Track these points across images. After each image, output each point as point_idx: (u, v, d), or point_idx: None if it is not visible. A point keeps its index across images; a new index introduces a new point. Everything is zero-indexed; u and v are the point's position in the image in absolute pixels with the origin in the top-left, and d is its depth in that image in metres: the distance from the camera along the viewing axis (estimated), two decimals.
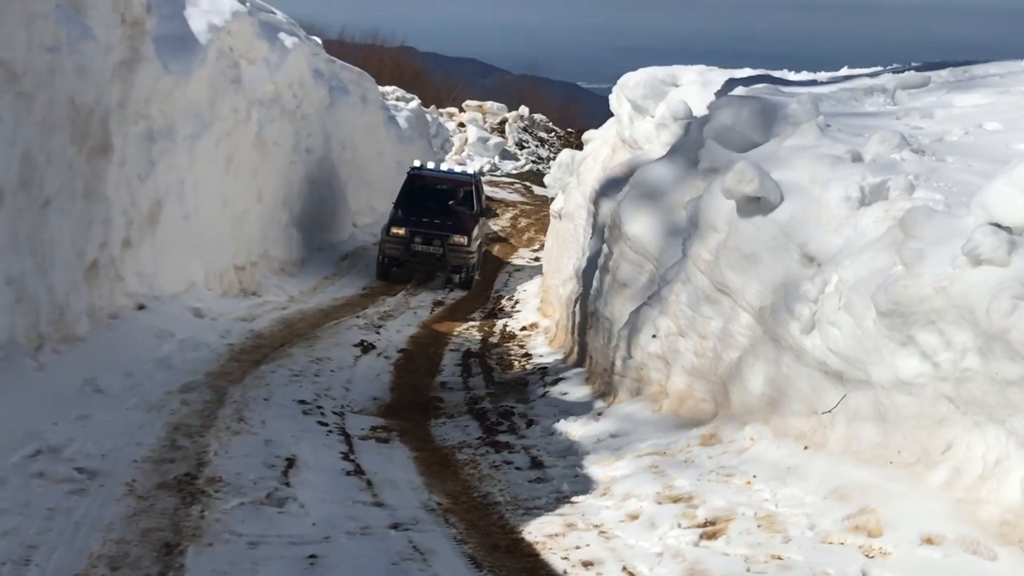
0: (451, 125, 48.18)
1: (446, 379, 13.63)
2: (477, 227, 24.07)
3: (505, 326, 18.70)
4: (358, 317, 18.20)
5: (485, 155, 44.55)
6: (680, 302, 9.73)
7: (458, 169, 25.86)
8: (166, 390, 10.91)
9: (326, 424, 10.49)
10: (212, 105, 18.36)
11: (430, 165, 25.46)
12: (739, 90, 12.26)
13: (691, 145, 11.67)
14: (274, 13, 23.64)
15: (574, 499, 7.94)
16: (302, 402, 11.10)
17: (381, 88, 44.43)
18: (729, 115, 11.16)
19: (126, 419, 9.43)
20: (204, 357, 13.11)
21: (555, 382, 12.65)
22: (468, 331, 18.10)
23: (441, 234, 23.10)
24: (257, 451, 8.73)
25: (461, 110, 49.68)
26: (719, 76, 14.30)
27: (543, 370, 13.80)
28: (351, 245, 26.95)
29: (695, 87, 14.19)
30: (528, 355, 15.35)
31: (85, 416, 9.29)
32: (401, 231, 23.02)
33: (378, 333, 16.61)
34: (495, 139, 44.95)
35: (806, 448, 7.64)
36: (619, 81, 15.29)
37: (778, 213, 8.69)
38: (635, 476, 8.08)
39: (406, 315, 19.46)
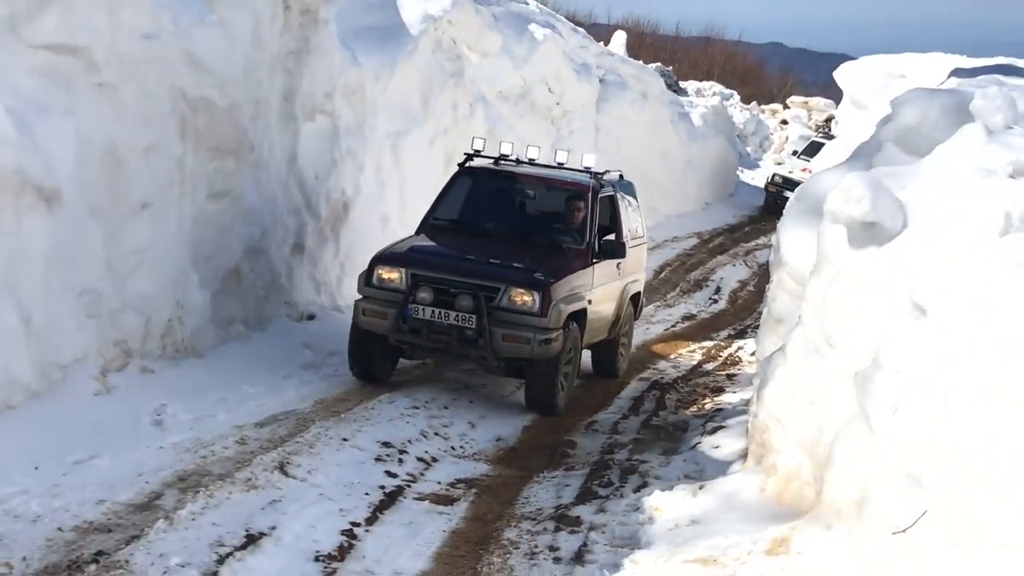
0: (772, 122, 45.52)
1: (600, 417, 11.75)
2: (581, 278, 11.78)
3: (738, 350, 16.52)
4: None
5: None
6: (796, 352, 7.56)
7: (562, 159, 12.99)
8: (238, 423, 9.61)
9: (394, 476, 8.93)
10: (426, 100, 17.13)
11: (505, 149, 12.99)
12: (951, 81, 9.79)
13: (873, 150, 9.35)
14: (526, 3, 22.25)
15: None
16: (386, 444, 9.56)
17: (698, 84, 42.54)
18: (915, 112, 8.86)
19: (136, 464, 8.16)
20: (338, 380, 11.77)
21: (715, 431, 10.57)
22: (690, 354, 16.06)
23: (480, 286, 10.99)
24: (235, 519, 7.25)
25: (786, 107, 46.86)
26: (958, 65, 11.73)
27: (717, 412, 11.70)
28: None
29: (926, 79, 11.68)
30: (721, 390, 13.22)
31: (88, 459, 8.09)
32: (393, 276, 11.16)
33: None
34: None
35: None
36: (836, 71, 12.93)
37: (895, 244, 6.43)
38: None
39: (636, 331, 17.43)
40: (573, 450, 10.41)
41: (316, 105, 14.32)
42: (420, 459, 9.54)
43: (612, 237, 12.71)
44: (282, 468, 8.45)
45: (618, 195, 13.21)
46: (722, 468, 9.06)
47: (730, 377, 14.20)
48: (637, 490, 8.80)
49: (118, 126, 10.17)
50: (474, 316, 10.86)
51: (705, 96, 39.62)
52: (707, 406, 12.32)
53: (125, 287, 10.40)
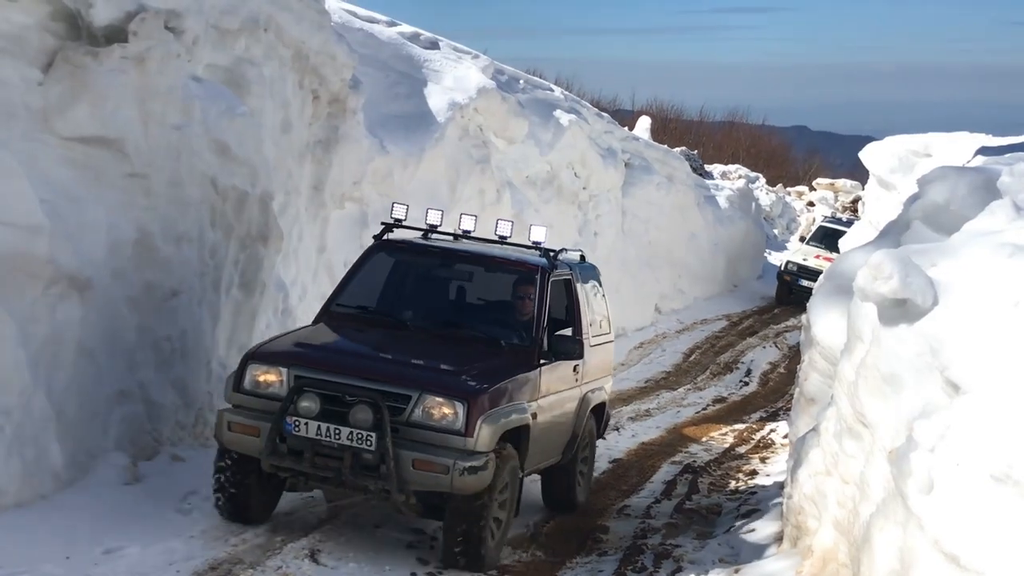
0: (798, 205, 45.60)
1: (632, 501, 11.66)
2: (524, 384, 9.21)
3: (770, 432, 16.40)
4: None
5: None
6: (828, 432, 7.50)
7: (504, 231, 10.62)
8: (271, 509, 9.55)
9: (427, 563, 8.84)
10: (453, 187, 17.25)
11: (433, 218, 10.68)
12: (978, 159, 9.81)
13: (901, 228, 9.35)
14: (552, 90, 22.44)
15: None
16: (417, 531, 9.47)
17: (723, 167, 42.72)
18: (943, 190, 8.83)
19: (167, 553, 8.14)
20: None
21: (749, 514, 10.49)
22: (721, 437, 15.95)
23: (384, 392, 8.38)
24: None
25: (812, 188, 47.01)
26: (984, 144, 11.76)
27: (751, 495, 11.61)
28: (650, 332, 25.17)
29: (953, 158, 11.72)
30: (755, 473, 13.12)
31: (119, 548, 8.08)
32: (270, 378, 8.72)
33: (604, 439, 14.72)
34: (845, 218, 42.05)
35: None
36: (862, 152, 12.97)
37: (926, 322, 6.40)
38: None
39: (667, 414, 17.46)
40: (605, 535, 10.32)
41: (345, 193, 14.46)
42: None
43: (568, 332, 10.21)
44: (313, 556, 8.41)
45: (577, 280, 10.64)
46: (758, 551, 8.97)
47: (763, 460, 14.09)
48: (671, 575, 8.71)
49: (149, 215, 10.28)
50: (374, 434, 8.14)
51: (731, 179, 39.75)
52: (740, 489, 12.22)
53: (157, 376, 10.43)
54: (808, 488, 7.79)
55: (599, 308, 11.31)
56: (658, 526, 10.55)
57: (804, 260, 29.95)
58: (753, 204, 35.65)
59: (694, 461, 13.92)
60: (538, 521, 10.64)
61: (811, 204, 45.51)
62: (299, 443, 8.32)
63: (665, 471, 13.29)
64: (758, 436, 16.17)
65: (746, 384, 21.62)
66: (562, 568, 9.20)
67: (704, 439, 15.77)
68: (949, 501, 5.39)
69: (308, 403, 8.35)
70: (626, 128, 29.21)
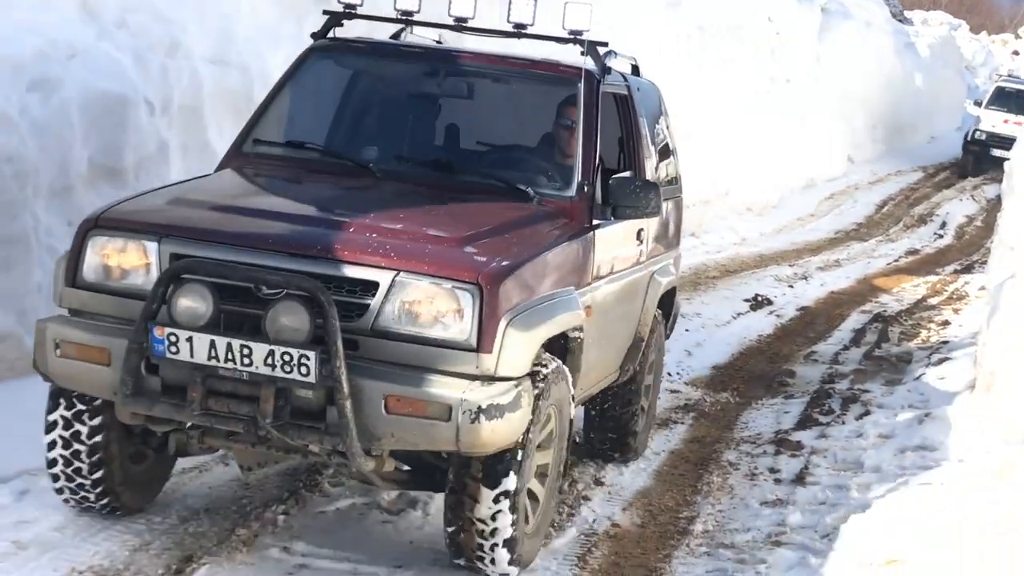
0: (1003, 53, 43.73)
1: (819, 348, 11.59)
2: (568, 259, 5.50)
3: (964, 285, 16.06)
4: (792, 266, 16.29)
5: None
6: None
7: (522, 16, 5.98)
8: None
9: None
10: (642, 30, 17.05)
11: (407, 3, 6.20)
12: None
13: None
14: None
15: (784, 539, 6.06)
16: None
17: (924, 13, 41.17)
18: None
19: None
20: None
21: (941, 362, 10.34)
22: (913, 288, 15.68)
23: (329, 277, 4.71)
24: None
25: (1017, 37, 44.99)
26: None
27: (943, 345, 11.44)
28: (841, 183, 24.73)
29: None
30: (947, 323, 12.88)
31: None
32: (127, 261, 4.93)
33: (792, 287, 14.68)
34: (1003, 82, 40.32)
35: None
36: None
37: None
38: (874, 518, 6.05)
39: (857, 265, 17.25)
40: (792, 379, 10.31)
41: None
42: None
43: (626, 175, 6.23)
44: None
45: (636, 98, 6.82)
46: (948, 398, 8.86)
47: (956, 311, 13.82)
48: (859, 418, 8.72)
49: None
50: (312, 354, 4.61)
51: (931, 26, 38.27)
52: (932, 339, 12.05)
53: None
54: (1004, 334, 7.67)
55: (667, 146, 7.54)
56: (846, 372, 10.51)
57: (993, 127, 27.39)
58: (955, 52, 34.35)
59: (884, 311, 13.75)
60: (722, 364, 10.69)
61: (1016, 53, 43.63)
62: (179, 373, 4.80)
63: (854, 320, 13.16)
64: (951, 288, 15.86)
65: (940, 237, 21.18)
66: (748, 409, 9.27)
67: (895, 290, 15.53)
68: None
69: (192, 301, 4.75)
70: None
